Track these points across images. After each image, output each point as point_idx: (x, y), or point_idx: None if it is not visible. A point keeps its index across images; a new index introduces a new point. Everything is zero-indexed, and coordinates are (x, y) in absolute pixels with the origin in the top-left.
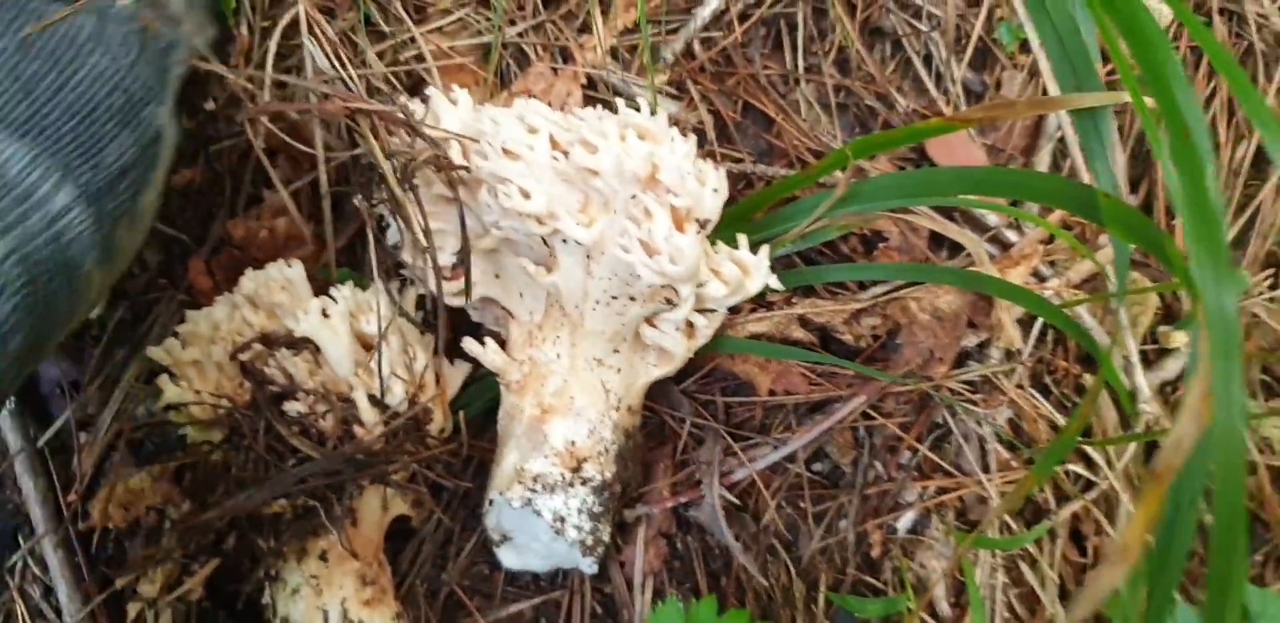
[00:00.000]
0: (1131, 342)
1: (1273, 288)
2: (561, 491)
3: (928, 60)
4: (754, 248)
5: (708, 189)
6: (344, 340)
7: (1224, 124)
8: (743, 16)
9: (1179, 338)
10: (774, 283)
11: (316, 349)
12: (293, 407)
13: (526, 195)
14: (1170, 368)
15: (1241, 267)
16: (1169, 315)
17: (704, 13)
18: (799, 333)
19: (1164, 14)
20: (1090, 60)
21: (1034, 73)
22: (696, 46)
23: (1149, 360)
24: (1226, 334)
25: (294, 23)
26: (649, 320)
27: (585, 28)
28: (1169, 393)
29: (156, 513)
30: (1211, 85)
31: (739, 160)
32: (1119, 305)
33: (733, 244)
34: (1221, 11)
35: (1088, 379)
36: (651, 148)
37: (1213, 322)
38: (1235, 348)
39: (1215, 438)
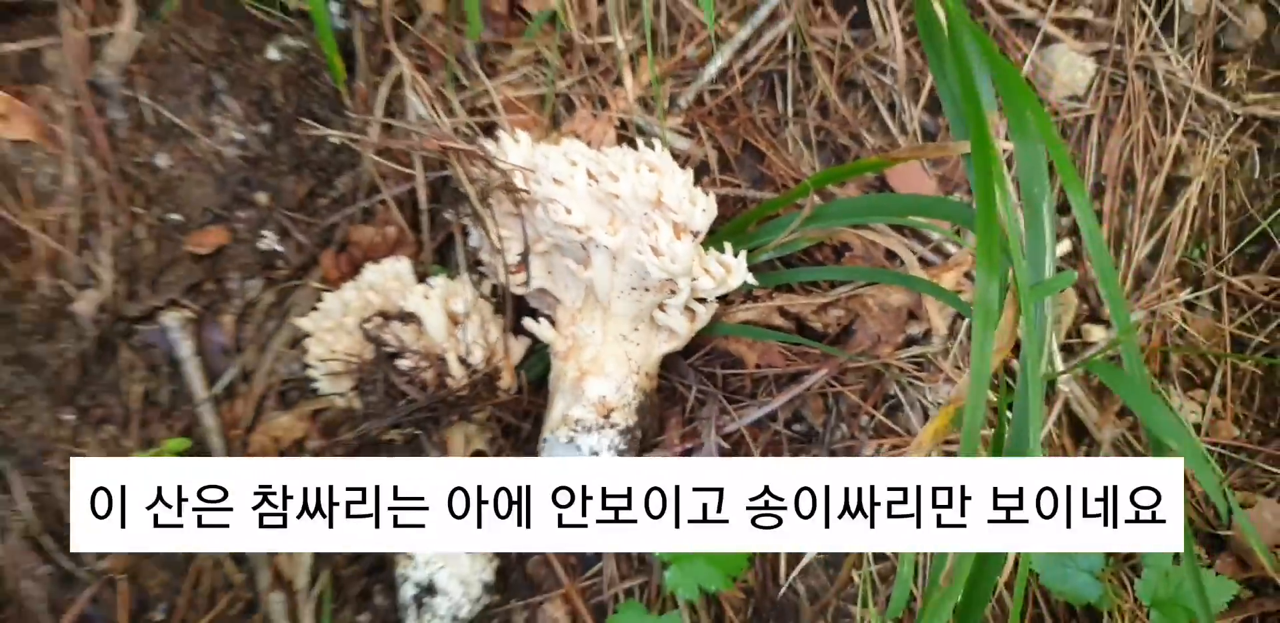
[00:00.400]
0: (1051, 334)
1: (1183, 290)
2: (596, 432)
3: (891, 107)
4: (737, 253)
5: (698, 209)
6: (439, 316)
7: (1140, 162)
8: (743, 72)
9: (1096, 333)
10: (750, 279)
11: (419, 322)
12: (403, 363)
13: (569, 212)
14: (1091, 356)
15: (1156, 276)
16: (1093, 316)
17: (711, 69)
18: (779, 320)
19: (1088, 70)
20: (981, 113)
21: None
22: (706, 96)
23: (1074, 351)
24: (987, 310)
25: (399, 79)
26: (660, 306)
27: (619, 82)
28: (1088, 377)
29: (297, 444)
30: (1130, 129)
31: (737, 186)
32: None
33: (723, 250)
34: (1137, 67)
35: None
36: (658, 178)
37: (980, 301)
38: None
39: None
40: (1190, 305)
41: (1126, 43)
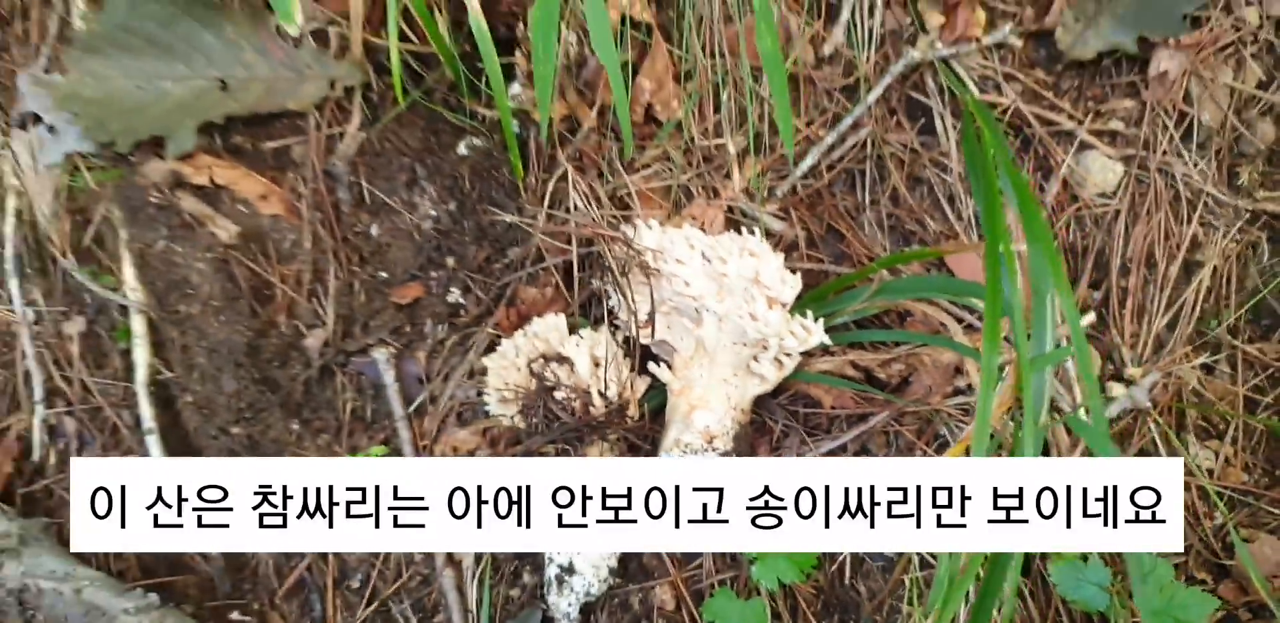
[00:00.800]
0: (1077, 389)
1: (1200, 355)
2: (701, 454)
3: (950, 199)
4: (817, 319)
5: (787, 286)
6: (586, 360)
7: (1160, 248)
8: (829, 168)
9: (1118, 389)
10: (826, 340)
11: (572, 364)
12: (557, 395)
13: (688, 284)
14: (1112, 410)
15: (1173, 343)
16: (1116, 375)
17: (804, 165)
18: (850, 371)
19: (1117, 172)
20: (996, 220)
21: None
22: (798, 187)
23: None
24: (990, 374)
25: (562, 175)
26: (754, 357)
27: (728, 175)
28: (1111, 426)
29: (470, 453)
30: (1152, 221)
31: (821, 261)
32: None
33: (806, 316)
34: (1159, 170)
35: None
36: (756, 262)
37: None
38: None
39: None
40: (1210, 370)
41: (1151, 149)
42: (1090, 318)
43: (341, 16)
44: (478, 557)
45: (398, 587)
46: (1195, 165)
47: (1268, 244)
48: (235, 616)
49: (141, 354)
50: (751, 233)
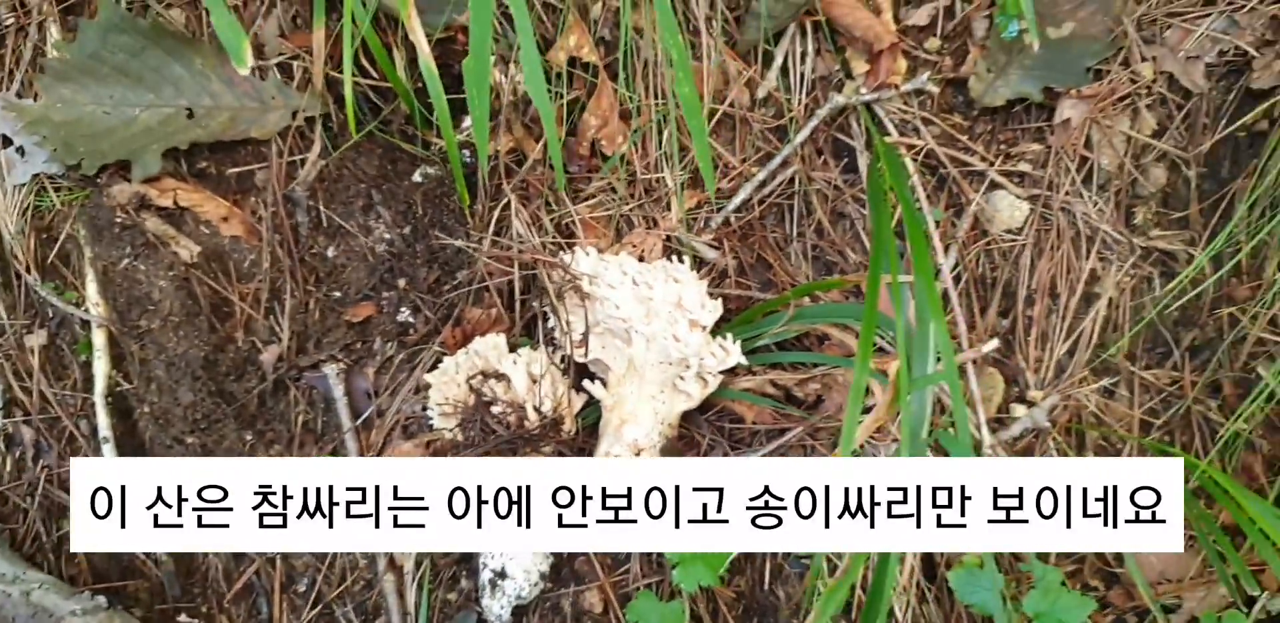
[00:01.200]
0: (981, 409)
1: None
2: None
3: (870, 232)
4: (737, 341)
5: (706, 311)
6: (523, 376)
7: (1062, 281)
8: (760, 202)
9: (1020, 410)
10: (743, 360)
11: (509, 380)
12: (495, 409)
13: (618, 307)
14: (1014, 429)
15: (1072, 368)
16: (1020, 397)
17: (736, 200)
18: (770, 389)
19: (1024, 210)
20: (890, 248)
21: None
22: (731, 219)
23: (1003, 423)
24: (858, 394)
25: (507, 204)
26: (680, 376)
27: (667, 207)
28: (1012, 445)
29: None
30: (1055, 255)
31: (749, 288)
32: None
33: (727, 337)
34: (1062, 209)
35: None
36: (680, 288)
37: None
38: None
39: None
40: (1111, 393)
41: (1055, 190)
42: (995, 344)
43: (305, 51)
44: (418, 562)
45: (341, 590)
46: (1095, 205)
47: (1160, 278)
48: (184, 618)
49: (101, 367)
50: (681, 261)
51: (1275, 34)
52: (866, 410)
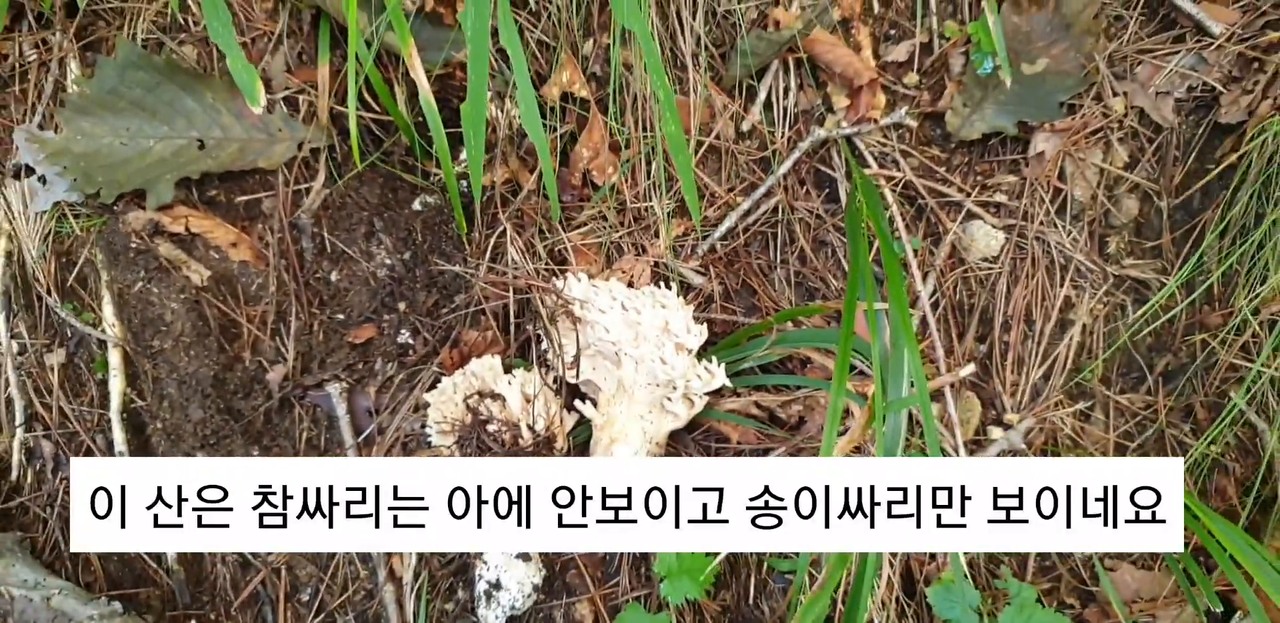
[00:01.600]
0: (959, 431)
1: (1074, 404)
2: None
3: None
4: (720, 364)
5: (692, 335)
6: (517, 396)
7: (1037, 308)
8: (745, 230)
9: (997, 433)
10: (727, 382)
11: (504, 400)
12: (490, 427)
13: (608, 331)
14: (990, 451)
15: (1047, 392)
16: (997, 420)
17: (722, 228)
18: (755, 411)
19: (1000, 239)
20: (867, 277)
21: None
22: (717, 246)
23: (981, 445)
24: (834, 415)
25: (503, 233)
26: (668, 397)
27: (656, 234)
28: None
29: None
30: (1030, 283)
31: (734, 313)
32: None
33: (713, 361)
34: (1037, 238)
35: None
36: (667, 313)
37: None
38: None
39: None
40: (1086, 416)
41: (1030, 220)
42: (972, 368)
43: (310, 86)
44: (416, 573)
45: (343, 600)
46: (1069, 235)
47: (1133, 305)
48: None
49: (117, 384)
50: (668, 287)
51: (1241, 71)
52: (844, 432)
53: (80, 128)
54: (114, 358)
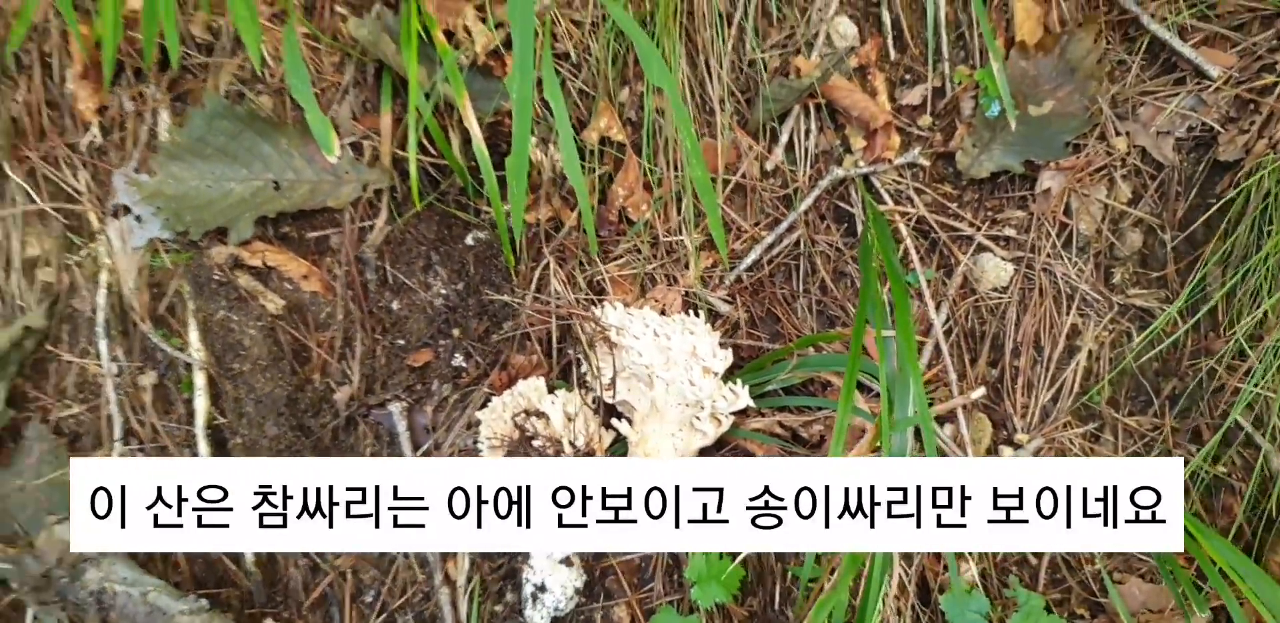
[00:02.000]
0: (971, 451)
1: (1083, 425)
2: None
3: None
4: (745, 386)
5: (718, 359)
6: (560, 415)
7: (1045, 335)
8: (769, 262)
9: (1008, 452)
10: (751, 403)
11: (548, 418)
12: (535, 443)
13: (641, 355)
14: None
15: (1056, 413)
16: (1008, 440)
17: (748, 260)
18: (779, 430)
19: (1009, 271)
20: (878, 305)
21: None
22: (744, 277)
23: None
24: (841, 433)
25: (547, 266)
26: (697, 417)
27: (686, 266)
28: None
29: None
30: (1039, 312)
31: (759, 339)
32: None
33: (738, 383)
34: (1044, 270)
35: None
36: (695, 339)
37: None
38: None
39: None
40: (1096, 438)
41: (1037, 253)
42: (982, 391)
43: (374, 132)
44: (469, 576)
45: (403, 601)
46: (1075, 266)
47: (1137, 332)
48: (269, 622)
49: (201, 403)
50: (697, 315)
51: (1239, 112)
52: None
53: (172, 172)
54: (199, 379)
